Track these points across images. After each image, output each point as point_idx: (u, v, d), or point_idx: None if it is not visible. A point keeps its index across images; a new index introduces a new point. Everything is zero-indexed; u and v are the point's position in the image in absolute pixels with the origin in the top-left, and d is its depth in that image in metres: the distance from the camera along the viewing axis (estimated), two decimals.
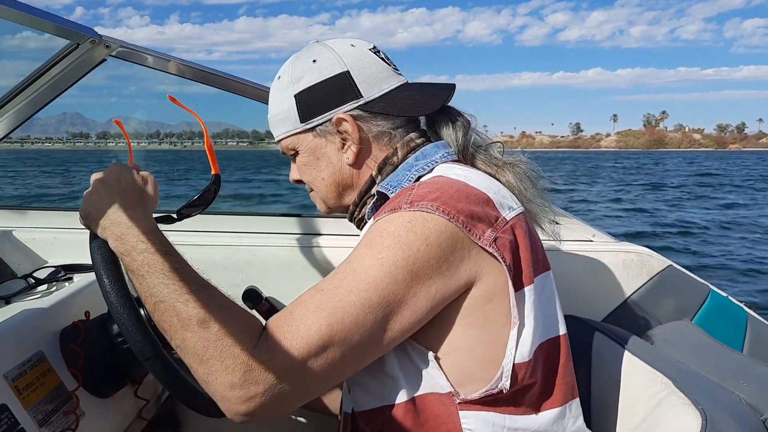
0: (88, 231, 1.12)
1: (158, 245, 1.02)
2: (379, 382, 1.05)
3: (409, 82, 1.24)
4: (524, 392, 1.04)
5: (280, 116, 1.21)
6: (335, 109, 1.16)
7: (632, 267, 1.80)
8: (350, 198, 1.23)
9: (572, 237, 1.84)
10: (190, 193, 1.28)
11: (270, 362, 0.90)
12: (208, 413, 1.05)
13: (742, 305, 1.75)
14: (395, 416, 1.04)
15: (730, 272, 10.01)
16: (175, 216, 1.24)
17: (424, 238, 0.95)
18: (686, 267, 1.86)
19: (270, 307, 1.81)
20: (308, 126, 1.19)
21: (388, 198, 1.11)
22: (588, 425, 1.16)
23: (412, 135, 1.20)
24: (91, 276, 1.56)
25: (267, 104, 1.27)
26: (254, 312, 1.78)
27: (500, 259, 0.98)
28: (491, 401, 1.01)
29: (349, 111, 1.16)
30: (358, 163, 1.19)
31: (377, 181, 1.18)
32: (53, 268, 1.64)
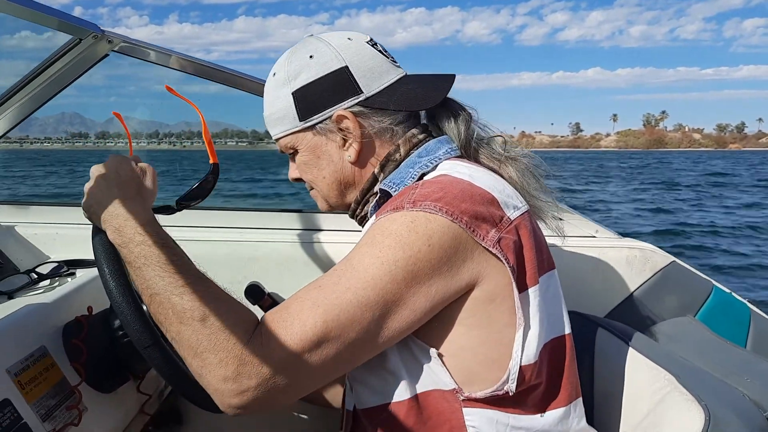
0: (90, 226, 1.13)
1: (155, 237, 1.02)
2: (382, 380, 1.04)
3: (408, 74, 1.22)
4: (529, 392, 1.04)
5: (278, 114, 1.18)
6: (335, 106, 1.14)
7: (635, 263, 1.79)
8: (352, 196, 1.21)
9: (575, 233, 1.84)
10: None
11: (263, 356, 0.91)
12: (205, 406, 1.05)
13: (745, 301, 1.75)
14: (398, 413, 1.03)
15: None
16: (174, 207, 1.24)
17: (426, 239, 0.94)
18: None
19: (272, 303, 1.81)
20: (308, 124, 1.16)
21: (391, 196, 1.10)
22: (591, 421, 1.16)
23: (415, 130, 1.18)
24: (93, 271, 1.56)
25: None
26: (256, 308, 1.78)
27: (503, 260, 0.97)
28: (496, 401, 1.01)
29: (350, 107, 1.14)
30: (360, 160, 1.17)
31: (380, 179, 1.16)
32: (56, 264, 1.65)
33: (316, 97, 1.14)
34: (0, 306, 1.39)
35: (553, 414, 1.06)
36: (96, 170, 1.13)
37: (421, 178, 1.11)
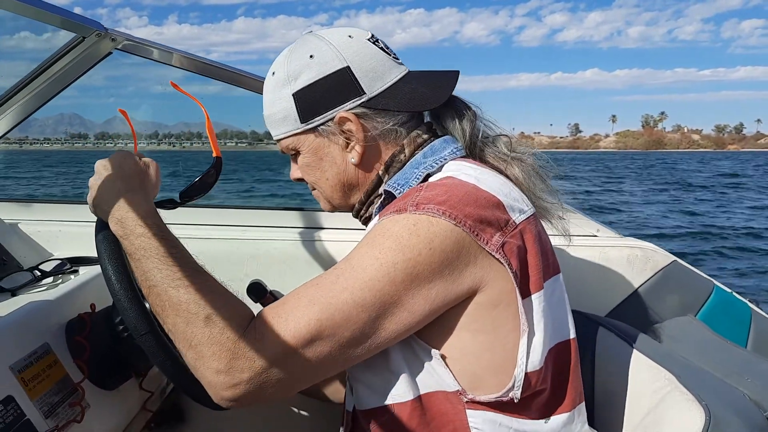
0: (93, 224, 1.14)
1: (155, 230, 1.04)
2: (384, 380, 1.04)
3: (411, 71, 1.19)
4: (534, 397, 1.03)
5: (278, 115, 1.16)
6: (337, 108, 1.11)
7: (636, 262, 1.79)
8: (356, 197, 1.20)
9: (576, 232, 1.84)
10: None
11: (256, 351, 0.92)
12: (199, 398, 1.05)
13: (746, 301, 1.75)
14: (401, 414, 1.03)
15: None
16: (177, 200, 1.24)
17: (428, 242, 0.93)
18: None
19: (274, 301, 1.82)
20: (309, 126, 1.14)
21: (395, 197, 1.08)
22: (591, 420, 1.16)
23: (419, 130, 1.16)
24: (96, 269, 1.57)
25: None
26: (259, 305, 1.79)
27: (506, 266, 0.96)
28: (500, 405, 1.00)
29: (352, 109, 1.11)
30: (363, 162, 1.15)
31: (384, 180, 1.14)
32: (59, 261, 1.65)
33: (317, 99, 1.12)
34: (3, 303, 1.40)
35: (557, 419, 1.06)
36: (101, 164, 1.15)
37: (426, 179, 1.09)
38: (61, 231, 1.96)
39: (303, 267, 1.91)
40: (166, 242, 1.02)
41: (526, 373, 0.99)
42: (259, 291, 1.80)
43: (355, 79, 1.11)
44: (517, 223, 1.01)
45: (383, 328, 0.94)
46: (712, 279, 1.79)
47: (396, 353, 1.02)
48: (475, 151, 1.16)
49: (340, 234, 1.95)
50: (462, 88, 1.17)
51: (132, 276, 1.06)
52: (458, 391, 1.00)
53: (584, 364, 1.19)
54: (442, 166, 1.10)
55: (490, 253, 0.96)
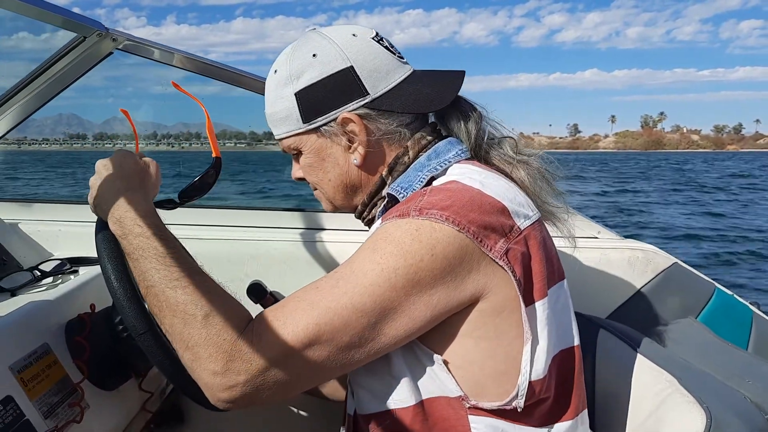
0: (93, 224, 1.14)
1: (153, 229, 1.03)
2: (386, 385, 1.03)
3: (416, 71, 1.16)
4: (537, 405, 1.02)
5: (280, 115, 1.14)
6: (340, 109, 1.09)
7: (637, 264, 1.79)
8: (359, 199, 1.18)
9: (577, 234, 1.83)
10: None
11: (253, 353, 0.91)
12: (197, 398, 1.05)
13: (747, 303, 1.74)
14: (403, 419, 1.02)
15: None
16: (176, 200, 1.24)
17: (430, 248, 0.92)
18: None
19: (274, 302, 1.81)
20: (311, 126, 1.12)
21: (399, 200, 1.07)
22: (592, 423, 1.15)
23: (423, 132, 1.14)
24: (96, 269, 1.57)
25: None
26: (259, 306, 1.79)
27: (510, 273, 0.95)
28: (503, 413, 1.00)
29: (355, 110, 1.09)
30: (366, 164, 1.13)
31: (388, 182, 1.13)
32: (59, 261, 1.65)
33: (319, 99, 1.10)
34: (3, 303, 1.39)
35: (560, 427, 1.05)
36: (101, 164, 1.15)
37: (429, 182, 1.08)
38: (61, 231, 1.96)
39: (303, 268, 1.91)
40: (165, 242, 1.02)
41: (529, 382, 0.98)
42: (259, 292, 1.80)
43: (359, 79, 1.09)
44: (522, 228, 1.00)
45: (383, 334, 0.93)
46: (713, 281, 1.78)
47: (398, 358, 1.01)
48: (480, 153, 1.14)
49: (341, 235, 1.95)
50: (462, 89, 1.16)
51: (131, 276, 1.06)
52: (460, 396, 0.99)
53: (585, 367, 1.18)
54: (446, 169, 1.09)
55: (494, 260, 0.94)
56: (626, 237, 1.90)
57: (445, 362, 0.99)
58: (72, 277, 1.59)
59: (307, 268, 1.91)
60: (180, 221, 1.92)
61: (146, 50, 1.75)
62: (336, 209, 1.23)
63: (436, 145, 1.13)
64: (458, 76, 1.15)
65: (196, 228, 1.97)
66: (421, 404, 1.01)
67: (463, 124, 1.13)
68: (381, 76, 1.10)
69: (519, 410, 0.99)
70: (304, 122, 1.12)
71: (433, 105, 1.11)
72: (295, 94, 1.11)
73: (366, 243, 0.98)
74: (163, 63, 1.79)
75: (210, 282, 1.00)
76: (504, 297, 0.96)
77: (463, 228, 0.93)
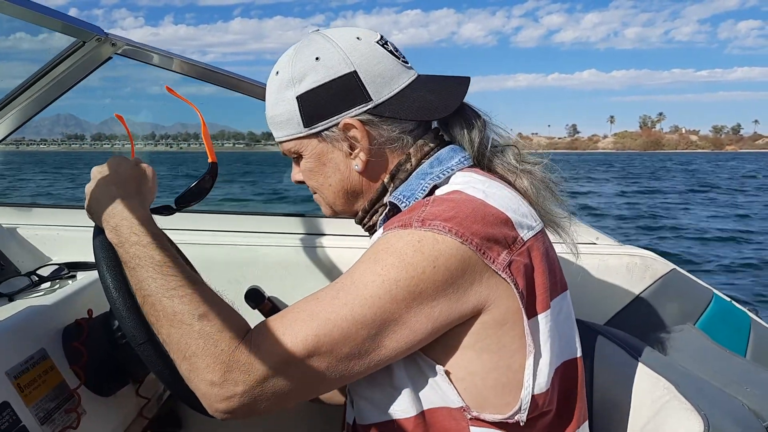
0: (91, 229, 1.13)
1: (150, 238, 1.02)
2: (387, 395, 1.02)
3: (421, 76, 1.15)
4: (539, 418, 1.02)
5: (281, 118, 1.12)
6: (342, 114, 1.08)
7: (636, 270, 1.79)
8: (359, 205, 1.17)
9: (575, 239, 1.83)
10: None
11: (251, 364, 0.90)
12: (198, 407, 1.05)
13: (745, 310, 1.74)
14: (404, 430, 1.01)
15: None
16: (173, 207, 1.24)
17: (432, 260, 0.91)
18: None
19: (272, 307, 1.81)
20: (313, 131, 1.10)
21: (401, 209, 1.05)
22: (590, 430, 1.15)
23: (426, 138, 1.12)
24: (94, 274, 1.56)
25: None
26: (257, 312, 1.78)
27: (513, 285, 0.94)
28: (504, 425, 0.99)
29: (358, 116, 1.08)
30: (367, 170, 1.11)
31: (389, 189, 1.11)
32: (57, 266, 1.65)
33: (322, 104, 1.08)
34: (1, 308, 1.39)
35: None
36: (97, 171, 1.14)
37: (432, 190, 1.07)
38: (60, 235, 1.96)
39: (302, 273, 1.91)
40: (162, 251, 1.00)
41: (532, 396, 0.97)
42: (257, 297, 1.79)
43: (362, 84, 1.07)
44: (525, 240, 0.99)
45: (383, 346, 0.92)
46: (711, 287, 1.78)
47: (399, 368, 1.00)
48: (483, 161, 1.13)
49: (340, 240, 1.94)
50: None
51: (129, 285, 1.06)
52: (462, 407, 0.98)
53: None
54: (449, 177, 1.08)
55: (497, 272, 0.94)
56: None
57: (447, 373, 0.98)
58: (70, 282, 1.59)
59: (305, 274, 1.91)
60: (178, 226, 1.92)
61: (145, 55, 1.75)
62: (336, 214, 1.22)
63: (439, 152, 1.11)
64: (463, 83, 1.14)
65: (194, 233, 1.97)
66: (422, 415, 1.00)
67: (466, 133, 1.12)
68: (385, 81, 1.09)
69: (521, 424, 0.98)
70: (305, 126, 1.10)
71: (437, 113, 1.10)
72: (297, 98, 1.09)
73: (367, 253, 0.97)
74: (162, 68, 1.80)
75: (208, 291, 0.99)
76: (506, 309, 0.95)
77: (466, 240, 0.92)
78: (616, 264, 1.80)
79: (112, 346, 1.30)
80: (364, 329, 0.91)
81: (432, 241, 0.92)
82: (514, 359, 0.97)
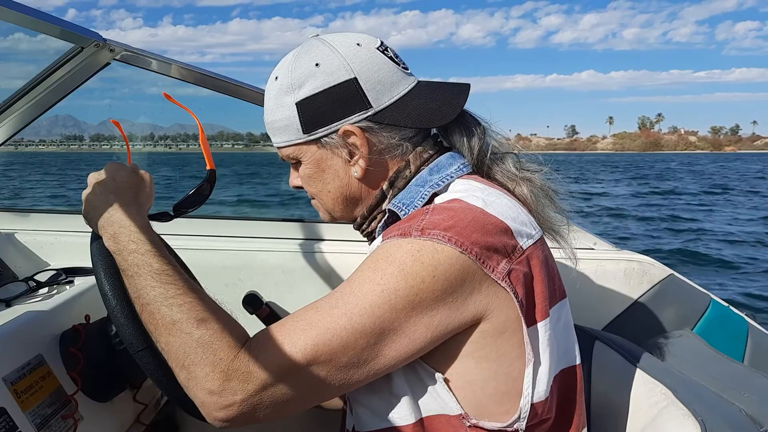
0: (89, 234, 1.13)
1: (149, 246, 1.02)
2: (386, 402, 1.02)
3: (421, 82, 1.14)
4: (538, 426, 1.02)
5: (280, 123, 1.11)
6: (342, 121, 1.07)
7: (633, 276, 1.79)
8: (358, 211, 1.16)
9: (573, 245, 1.83)
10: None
11: (249, 373, 0.90)
12: (197, 414, 1.05)
13: (743, 315, 1.74)
14: None
15: None
16: (171, 213, 1.23)
17: (432, 269, 0.91)
18: None
19: (270, 312, 1.81)
20: (312, 137, 1.09)
21: (400, 217, 1.05)
22: None
23: (425, 145, 1.12)
24: (91, 280, 1.56)
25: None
26: (254, 317, 1.78)
27: (512, 294, 0.94)
28: None
29: (357, 122, 1.07)
30: (367, 177, 1.11)
31: (388, 196, 1.11)
32: (54, 271, 1.64)
33: (321, 110, 1.07)
34: None
35: None
36: (93, 177, 1.14)
37: (431, 198, 1.06)
38: (57, 241, 1.95)
39: (300, 278, 1.91)
40: (160, 259, 1.00)
41: (531, 404, 0.97)
42: (255, 302, 1.79)
43: (362, 91, 1.06)
44: (525, 248, 0.99)
45: (382, 355, 0.92)
46: (708, 293, 1.78)
47: (399, 376, 1.00)
48: (482, 168, 1.12)
49: (338, 245, 1.94)
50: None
51: (128, 292, 1.06)
52: (461, 415, 0.98)
53: None
54: (448, 185, 1.07)
55: (496, 281, 0.94)
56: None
57: (446, 381, 0.98)
58: (67, 287, 1.58)
59: (303, 279, 1.91)
60: (176, 231, 1.92)
61: (144, 61, 1.76)
62: (334, 220, 1.21)
63: (438, 159, 1.11)
64: (463, 91, 1.14)
65: (192, 238, 1.97)
66: (420, 422, 1.00)
67: (466, 140, 1.12)
68: (385, 88, 1.08)
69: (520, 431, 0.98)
70: (304, 133, 1.09)
71: (436, 120, 1.09)
72: (296, 104, 1.08)
73: (366, 262, 0.96)
74: (160, 74, 1.80)
75: (207, 300, 0.98)
76: (506, 318, 0.95)
77: (465, 249, 0.92)
78: (613, 269, 1.80)
79: (110, 352, 1.29)
80: (363, 338, 0.90)
81: (431, 250, 0.92)
82: (513, 367, 0.97)
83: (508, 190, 1.11)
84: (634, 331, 1.71)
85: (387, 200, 1.12)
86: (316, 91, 1.07)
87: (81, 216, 1.14)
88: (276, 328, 0.94)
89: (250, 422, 0.94)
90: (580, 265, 1.79)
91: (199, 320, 0.93)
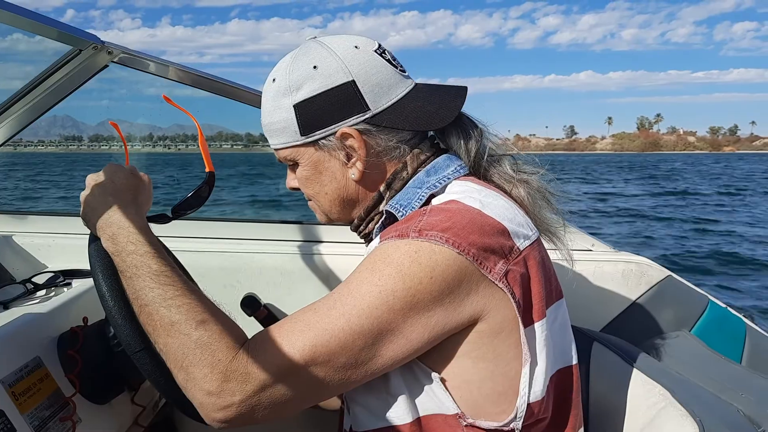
0: (87, 236, 1.13)
1: (147, 247, 1.02)
2: (383, 402, 1.02)
3: (418, 85, 1.14)
4: (535, 426, 1.02)
5: (277, 125, 1.11)
6: (339, 123, 1.07)
7: (631, 277, 1.80)
8: (355, 213, 1.16)
9: (571, 246, 1.83)
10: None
11: (247, 374, 0.91)
12: (195, 416, 1.05)
13: (741, 316, 1.75)
14: None
15: None
16: (170, 215, 1.24)
17: (429, 270, 0.91)
18: None
19: (268, 314, 1.81)
20: (309, 139, 1.09)
21: (397, 218, 1.05)
22: None
23: (422, 147, 1.12)
24: (89, 282, 1.56)
25: None
26: (253, 319, 1.78)
27: (509, 294, 0.95)
28: None
29: (355, 125, 1.07)
30: (364, 179, 1.11)
31: (385, 198, 1.11)
32: (52, 274, 1.64)
33: (319, 113, 1.07)
34: None
35: None
36: (92, 179, 1.14)
37: (429, 199, 1.06)
38: (55, 243, 1.95)
39: (298, 280, 1.91)
40: (159, 260, 1.01)
41: (528, 404, 0.98)
42: (253, 304, 1.79)
43: (360, 94, 1.06)
44: (521, 249, 0.99)
45: (380, 356, 0.93)
46: (706, 294, 1.79)
47: (396, 375, 1.00)
48: (479, 170, 1.13)
49: (336, 247, 1.95)
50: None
51: (126, 293, 1.06)
52: (457, 414, 0.98)
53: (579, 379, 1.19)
54: (445, 186, 1.08)
55: (493, 282, 0.94)
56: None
57: (443, 380, 0.98)
58: (65, 289, 1.58)
59: (302, 281, 1.91)
60: (174, 233, 1.92)
61: (141, 63, 1.76)
62: (331, 222, 1.21)
63: (435, 160, 1.11)
64: (460, 94, 1.14)
65: (190, 240, 1.97)
66: (418, 421, 1.01)
67: (463, 143, 1.12)
68: (383, 91, 1.08)
69: (516, 431, 0.98)
70: (302, 135, 1.09)
71: (434, 123, 1.09)
72: (294, 106, 1.08)
73: (364, 263, 0.97)
74: (158, 76, 1.80)
75: (205, 301, 0.99)
76: (503, 318, 0.95)
77: (463, 250, 0.92)
78: (611, 270, 1.81)
79: (108, 354, 1.29)
80: (360, 339, 0.91)
81: (429, 251, 0.92)
82: (509, 367, 0.97)
83: (505, 192, 1.11)
84: (633, 332, 1.71)
85: (384, 202, 1.12)
86: (314, 93, 1.07)
87: (79, 218, 1.14)
88: (274, 330, 0.94)
89: (249, 423, 0.94)
90: (579, 266, 1.80)
91: (197, 321, 0.94)
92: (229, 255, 1.95)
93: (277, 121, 1.11)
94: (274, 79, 1.12)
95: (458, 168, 1.10)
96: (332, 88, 1.06)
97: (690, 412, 1.07)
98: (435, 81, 1.22)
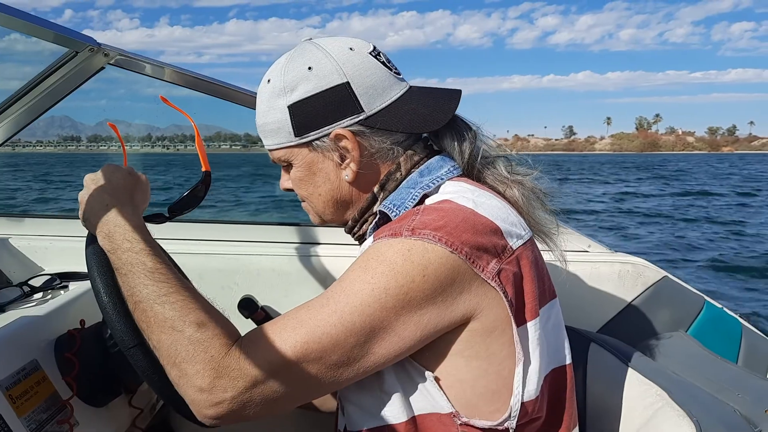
0: (83, 239, 1.14)
1: (143, 245, 1.03)
2: (377, 401, 1.02)
3: (413, 87, 1.15)
4: (529, 425, 1.02)
5: (272, 126, 1.12)
6: (333, 124, 1.07)
7: (627, 278, 1.80)
8: (349, 214, 1.17)
9: (567, 247, 1.84)
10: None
11: (239, 371, 0.91)
12: (187, 414, 1.04)
13: (737, 317, 1.75)
14: None
15: None
16: (165, 215, 1.24)
17: (422, 268, 0.92)
18: None
19: (266, 317, 1.81)
20: (303, 140, 1.10)
21: (391, 218, 1.06)
22: None
23: (416, 148, 1.13)
24: (86, 284, 1.56)
25: None
26: (249, 321, 1.78)
27: (502, 293, 0.95)
28: (494, 431, 1.00)
29: (349, 126, 1.07)
30: (358, 180, 1.11)
31: (379, 198, 1.12)
32: (49, 276, 1.64)
33: (313, 114, 1.08)
34: None
35: None
36: (89, 178, 1.15)
37: (422, 200, 1.07)
38: (52, 246, 1.95)
39: (295, 282, 1.91)
40: (154, 258, 1.01)
41: (522, 403, 0.98)
42: (250, 306, 1.79)
43: (355, 96, 1.07)
44: (514, 249, 1.00)
45: (372, 353, 0.93)
46: (702, 294, 1.79)
47: (389, 374, 1.00)
48: (473, 172, 1.13)
49: (333, 249, 1.95)
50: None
51: (121, 290, 1.06)
52: (452, 413, 0.98)
53: (576, 380, 1.19)
54: (439, 187, 1.08)
55: (486, 281, 0.94)
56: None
57: (437, 379, 0.98)
58: (62, 292, 1.58)
59: (298, 283, 1.91)
60: (171, 235, 1.92)
61: (137, 65, 1.76)
62: (324, 223, 1.22)
63: (429, 161, 1.12)
64: (454, 97, 1.14)
65: (187, 242, 1.97)
66: (412, 420, 1.01)
67: (457, 145, 1.13)
68: (377, 93, 1.09)
69: (511, 430, 0.99)
70: (296, 136, 1.10)
71: (428, 125, 1.10)
72: (288, 107, 1.09)
73: (357, 262, 0.97)
74: (154, 78, 1.80)
75: (199, 298, 0.99)
76: (495, 317, 0.95)
77: (455, 249, 0.92)
78: (608, 271, 1.81)
79: (105, 357, 1.29)
80: (353, 337, 0.91)
81: (422, 249, 0.93)
82: (503, 366, 0.97)
83: (499, 193, 1.12)
84: (629, 333, 1.72)
85: (378, 203, 1.12)
86: (309, 94, 1.08)
87: (76, 221, 1.15)
88: (267, 327, 0.95)
89: (240, 420, 0.94)
90: (575, 267, 1.80)
91: (191, 318, 0.94)
92: (226, 257, 1.95)
93: (271, 122, 1.12)
94: (269, 80, 1.12)
95: (452, 168, 1.11)
96: (327, 90, 1.07)
97: (687, 412, 1.07)
98: (433, 81, 1.23)
